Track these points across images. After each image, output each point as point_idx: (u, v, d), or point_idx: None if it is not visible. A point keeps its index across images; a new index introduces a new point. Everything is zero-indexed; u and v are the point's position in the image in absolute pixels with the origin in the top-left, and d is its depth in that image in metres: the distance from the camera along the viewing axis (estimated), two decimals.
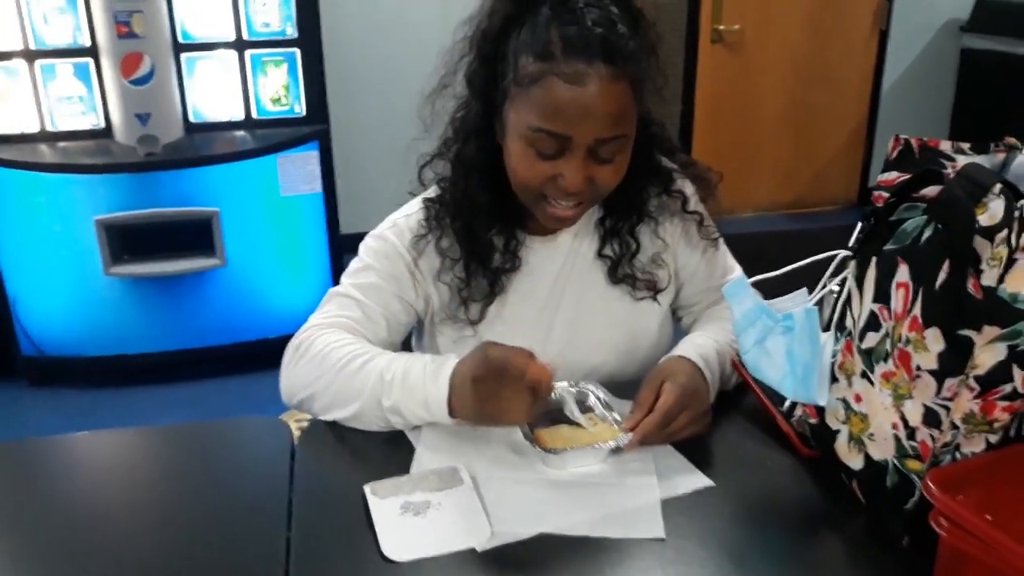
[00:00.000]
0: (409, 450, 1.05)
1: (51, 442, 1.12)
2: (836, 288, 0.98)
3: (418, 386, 1.04)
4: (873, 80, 4.40)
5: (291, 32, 2.77)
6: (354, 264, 1.24)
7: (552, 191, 1.10)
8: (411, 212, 1.24)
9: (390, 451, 1.05)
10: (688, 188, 1.27)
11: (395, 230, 1.22)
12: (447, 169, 1.20)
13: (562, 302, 1.24)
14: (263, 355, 1.07)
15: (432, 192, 1.23)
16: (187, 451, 1.09)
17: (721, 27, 4.06)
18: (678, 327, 1.35)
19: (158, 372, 2.86)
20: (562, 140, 1.05)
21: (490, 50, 1.10)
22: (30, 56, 2.61)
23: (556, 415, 1.07)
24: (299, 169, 2.82)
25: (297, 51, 2.79)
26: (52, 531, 0.92)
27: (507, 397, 0.98)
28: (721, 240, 1.31)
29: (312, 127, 2.84)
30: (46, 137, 2.69)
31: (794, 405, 1.06)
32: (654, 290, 1.26)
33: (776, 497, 0.99)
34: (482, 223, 1.19)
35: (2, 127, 2.66)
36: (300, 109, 2.85)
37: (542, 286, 1.24)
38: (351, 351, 1.10)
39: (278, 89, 2.82)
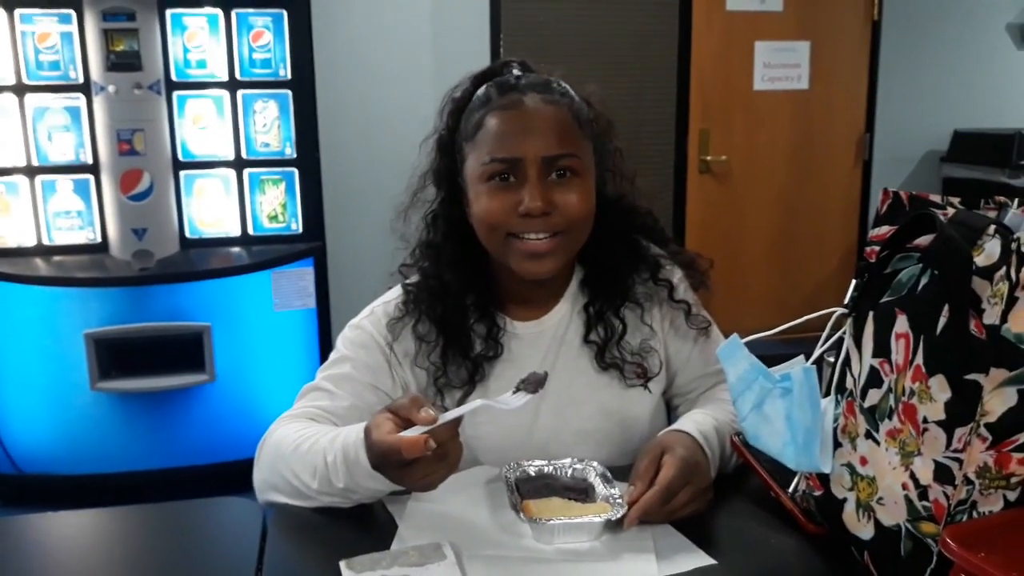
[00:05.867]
0: (389, 528, 0.98)
1: (22, 521, 1.05)
2: (831, 360, 0.96)
3: (356, 465, 0.95)
4: (859, 210, 4.50)
5: (290, 152, 2.84)
6: (331, 356, 1.22)
7: (519, 224, 1.10)
8: (390, 299, 1.23)
9: (369, 529, 0.98)
10: (676, 276, 1.26)
11: (372, 318, 1.22)
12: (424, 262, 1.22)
13: (548, 389, 1.20)
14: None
15: (412, 279, 1.22)
16: (154, 530, 1.02)
17: (708, 158, 4.18)
18: (672, 418, 1.31)
19: (141, 491, 2.75)
20: (513, 163, 1.10)
21: (447, 140, 1.19)
22: (31, 172, 2.66)
23: (551, 489, 1.01)
24: (293, 285, 2.82)
25: (295, 171, 2.85)
26: None
27: (415, 474, 0.88)
28: (714, 327, 1.28)
29: (308, 244, 2.86)
30: (42, 251, 2.71)
31: (799, 484, 1.00)
32: (644, 377, 1.23)
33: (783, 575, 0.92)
34: (457, 308, 1.18)
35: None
36: (297, 226, 2.88)
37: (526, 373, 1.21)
38: (298, 436, 1.04)
39: (275, 207, 2.87)
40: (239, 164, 2.80)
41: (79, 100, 2.66)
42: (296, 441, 1.04)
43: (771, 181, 4.32)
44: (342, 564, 0.88)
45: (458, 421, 0.86)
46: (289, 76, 2.78)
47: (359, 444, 0.93)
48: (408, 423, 0.86)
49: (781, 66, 4.15)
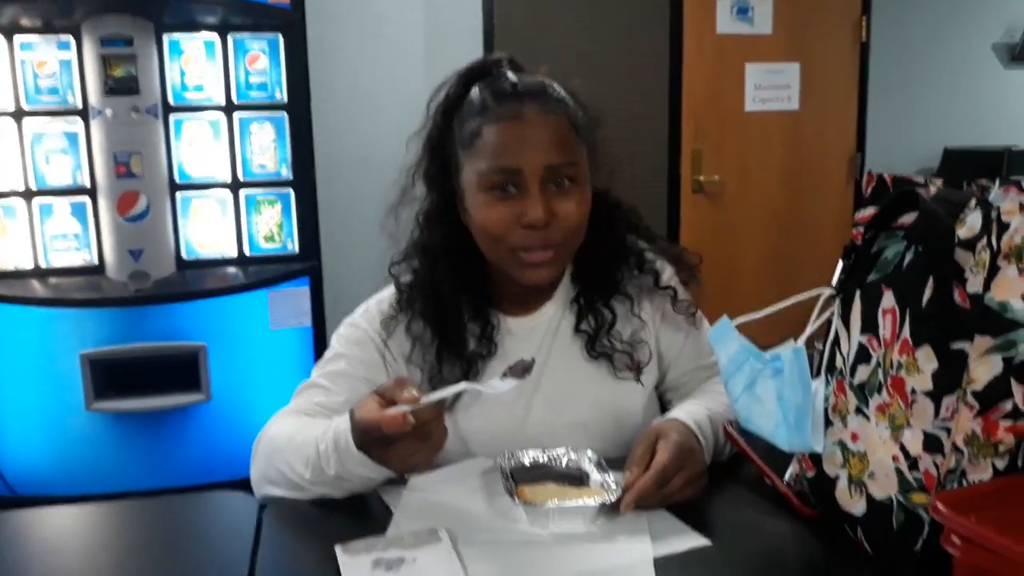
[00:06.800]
0: (385, 517, 0.98)
1: (17, 515, 1.05)
2: (820, 347, 0.97)
3: (347, 452, 0.96)
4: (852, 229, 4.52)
5: (286, 173, 2.85)
6: (327, 354, 1.23)
7: (519, 236, 1.11)
8: (384, 296, 1.25)
9: (364, 518, 0.98)
10: (667, 271, 1.28)
11: (367, 315, 1.23)
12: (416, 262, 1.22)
13: (541, 382, 1.21)
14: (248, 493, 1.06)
15: (405, 278, 1.23)
16: (150, 523, 1.02)
17: (701, 178, 4.21)
18: (665, 412, 1.31)
19: None
20: (514, 174, 1.09)
21: (437, 141, 1.18)
22: (29, 195, 2.68)
23: (546, 476, 1.02)
24: (289, 304, 2.83)
25: (291, 191, 2.87)
26: None
27: (398, 452, 0.90)
28: (703, 319, 1.29)
29: (304, 263, 2.87)
30: (39, 273, 2.71)
31: (792, 470, 1.01)
32: (636, 369, 1.23)
33: (778, 557, 0.92)
34: (452, 309, 1.19)
35: None
36: (293, 246, 2.89)
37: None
38: (291, 431, 1.06)
39: (271, 227, 2.88)
40: (235, 185, 2.82)
41: (77, 124, 2.68)
42: (289, 434, 1.05)
43: (764, 200, 4.35)
44: (338, 548, 0.88)
45: (442, 403, 0.87)
46: (285, 99, 2.80)
47: (348, 430, 0.94)
48: (393, 403, 0.87)
49: (771, 87, 4.20)
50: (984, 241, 0.76)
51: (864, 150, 4.31)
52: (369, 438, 0.89)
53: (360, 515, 1.00)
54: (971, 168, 4.16)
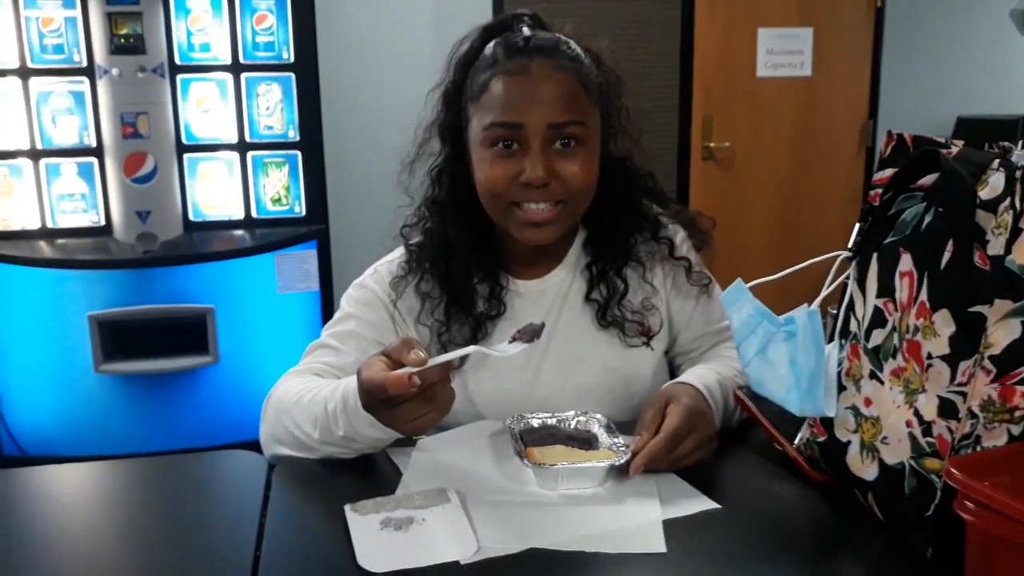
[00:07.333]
0: (394, 477, 0.98)
1: (27, 472, 1.05)
2: (834, 311, 0.96)
3: (356, 412, 0.95)
4: (863, 197, 4.49)
5: (293, 135, 2.83)
6: (336, 315, 1.22)
7: (520, 193, 1.10)
8: (393, 258, 1.24)
9: (373, 478, 0.98)
10: (679, 236, 1.26)
11: (375, 276, 1.22)
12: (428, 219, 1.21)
13: (550, 345, 1.20)
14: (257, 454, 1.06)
15: (416, 238, 1.22)
16: (159, 481, 1.03)
17: (712, 144, 4.17)
18: (674, 376, 1.31)
19: None
20: (515, 129, 1.08)
21: (453, 95, 1.17)
22: (36, 155, 2.67)
23: (555, 439, 1.01)
24: (296, 268, 2.82)
25: (298, 153, 2.85)
26: (24, 555, 0.85)
27: (404, 414, 0.88)
28: (716, 285, 1.28)
29: (311, 227, 2.86)
30: (46, 234, 2.71)
31: (803, 435, 1.00)
32: (646, 335, 1.23)
33: (787, 519, 0.92)
34: (461, 266, 1.18)
35: (3, 224, 2.68)
36: (300, 209, 2.88)
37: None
38: (300, 390, 1.05)
39: (279, 190, 2.87)
40: (242, 147, 2.80)
41: (83, 84, 2.66)
42: (299, 394, 1.05)
43: (774, 167, 4.32)
44: (347, 508, 0.88)
45: (448, 365, 0.85)
46: (292, 59, 2.78)
47: (357, 390, 0.93)
48: (399, 365, 0.86)
49: (784, 53, 4.14)
50: (1008, 202, 0.74)
51: (876, 118, 4.26)
52: (375, 399, 0.88)
53: (369, 475, 1.00)
54: (985, 137, 4.09)
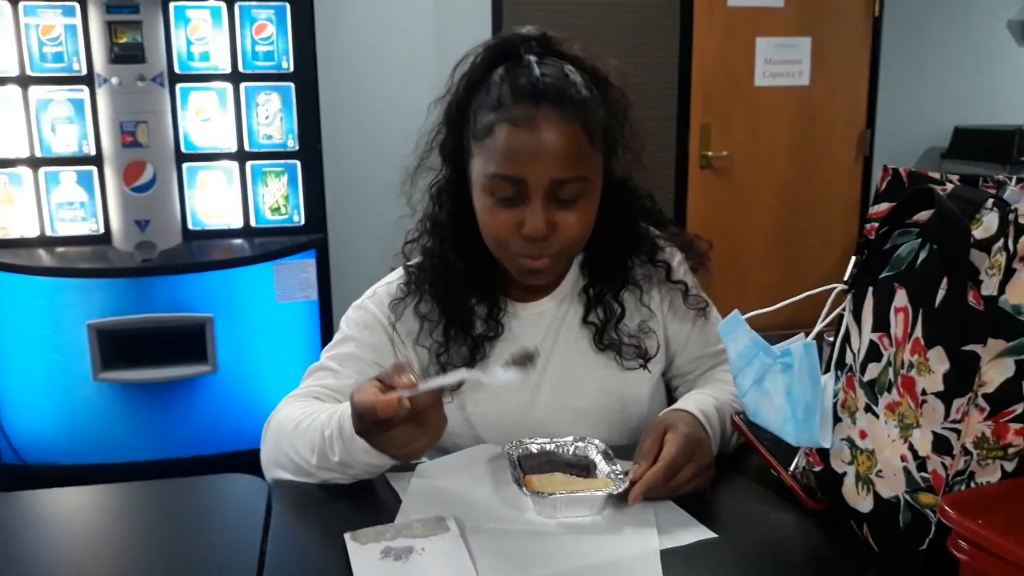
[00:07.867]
0: (393, 503, 0.99)
1: (28, 496, 1.06)
2: (830, 339, 0.97)
3: (352, 439, 0.95)
4: (861, 206, 4.50)
5: (292, 144, 2.84)
6: (335, 337, 1.23)
7: (518, 243, 1.10)
8: (392, 280, 1.24)
9: (373, 504, 0.99)
10: (676, 258, 1.27)
11: (375, 299, 1.23)
12: (427, 239, 1.21)
13: (548, 368, 1.21)
14: (253, 465, 1.05)
15: (415, 259, 1.23)
16: (160, 506, 1.03)
17: (710, 153, 4.18)
18: (671, 400, 1.31)
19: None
20: (517, 183, 1.06)
21: (456, 117, 1.14)
22: (35, 163, 2.67)
23: (553, 465, 1.02)
24: (295, 277, 2.83)
25: (298, 163, 2.85)
26: None
27: (395, 438, 0.88)
28: (713, 308, 1.29)
29: (310, 236, 2.87)
30: (45, 242, 2.71)
31: (799, 462, 1.01)
32: (643, 358, 1.23)
33: (783, 549, 0.93)
34: (460, 289, 1.19)
35: (3, 232, 2.68)
36: (299, 218, 2.89)
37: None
38: (300, 415, 1.06)
39: (278, 199, 2.87)
40: (242, 156, 2.81)
41: (82, 92, 2.66)
42: (297, 418, 1.05)
43: (772, 177, 4.33)
44: (347, 536, 0.89)
45: (440, 390, 0.86)
46: (292, 68, 2.78)
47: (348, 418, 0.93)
48: (392, 389, 0.86)
49: (782, 62, 4.15)
50: (1001, 243, 0.75)
51: (874, 127, 4.27)
52: (366, 422, 0.88)
53: (368, 500, 1.01)
54: (981, 148, 4.12)
